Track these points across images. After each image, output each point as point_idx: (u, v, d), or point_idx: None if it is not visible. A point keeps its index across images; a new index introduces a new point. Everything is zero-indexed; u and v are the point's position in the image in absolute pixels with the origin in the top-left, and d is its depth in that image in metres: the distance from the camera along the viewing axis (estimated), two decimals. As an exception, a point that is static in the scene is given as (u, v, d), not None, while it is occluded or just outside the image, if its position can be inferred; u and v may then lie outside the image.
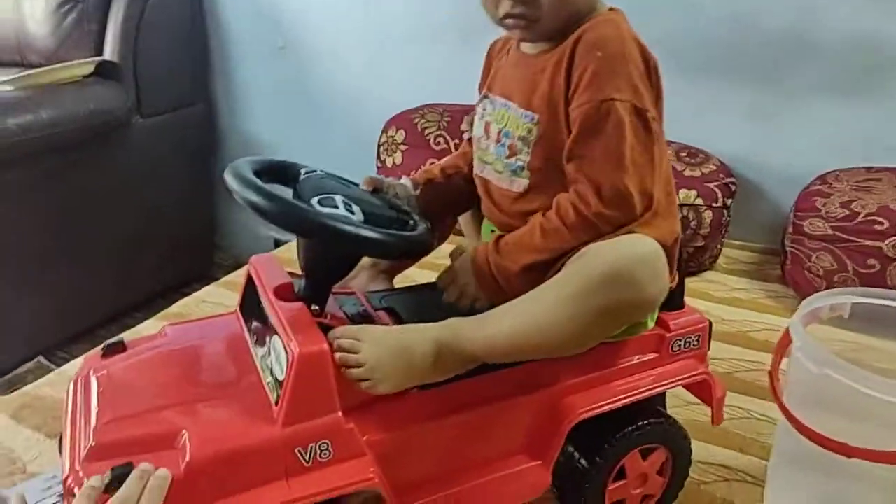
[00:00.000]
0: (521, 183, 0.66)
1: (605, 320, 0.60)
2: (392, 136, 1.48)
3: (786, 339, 0.71)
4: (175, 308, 1.18)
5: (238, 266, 1.48)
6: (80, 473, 0.53)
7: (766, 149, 1.34)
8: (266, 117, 1.94)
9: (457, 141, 1.40)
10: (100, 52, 1.73)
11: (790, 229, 1.17)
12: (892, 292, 0.73)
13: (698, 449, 0.77)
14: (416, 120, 1.47)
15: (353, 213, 0.59)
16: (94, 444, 0.55)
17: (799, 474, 0.73)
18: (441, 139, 1.41)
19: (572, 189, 0.61)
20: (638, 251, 0.59)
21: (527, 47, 0.68)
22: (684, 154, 1.31)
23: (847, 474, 0.67)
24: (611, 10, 0.66)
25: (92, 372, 0.63)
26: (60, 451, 0.60)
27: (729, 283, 1.26)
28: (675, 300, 0.72)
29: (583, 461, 0.68)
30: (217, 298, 1.20)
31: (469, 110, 1.45)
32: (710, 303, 1.20)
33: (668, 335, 0.71)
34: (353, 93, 1.74)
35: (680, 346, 0.72)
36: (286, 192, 0.61)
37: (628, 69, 0.60)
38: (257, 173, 0.60)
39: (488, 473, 0.64)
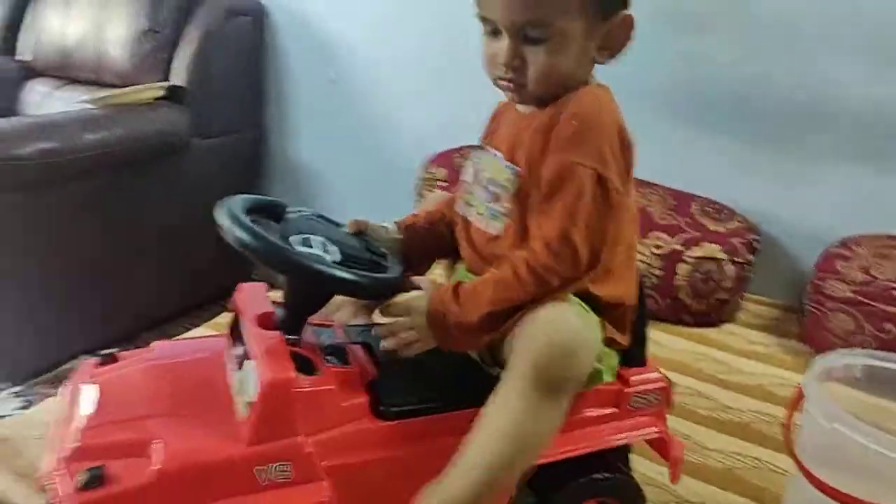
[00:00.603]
0: (497, 227, 0.71)
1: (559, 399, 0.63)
2: (433, 174, 1.57)
3: (799, 394, 0.76)
4: (219, 318, 1.27)
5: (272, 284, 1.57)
6: (61, 472, 0.58)
7: (789, 209, 1.39)
8: (312, 145, 2.05)
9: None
10: (168, 77, 1.86)
11: (810, 289, 1.21)
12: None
13: (713, 494, 0.80)
14: (457, 159, 1.55)
15: (328, 253, 0.64)
16: (76, 445, 0.59)
17: None
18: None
19: (527, 245, 0.65)
20: (563, 328, 0.62)
21: (521, 108, 0.74)
22: (710, 209, 1.37)
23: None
24: (599, 85, 0.72)
25: (84, 379, 0.67)
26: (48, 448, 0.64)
27: (748, 337, 1.30)
28: (636, 357, 0.76)
29: None
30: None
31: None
32: (728, 354, 1.24)
33: (627, 390, 0.74)
34: (398, 127, 1.84)
35: (639, 402, 0.75)
36: (275, 229, 0.66)
37: (599, 140, 0.65)
38: (247, 211, 0.65)
39: None
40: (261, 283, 0.74)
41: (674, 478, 0.78)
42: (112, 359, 0.70)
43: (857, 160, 1.32)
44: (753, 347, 1.26)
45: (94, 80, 1.99)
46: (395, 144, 1.84)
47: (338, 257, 0.65)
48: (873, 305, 1.11)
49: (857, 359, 0.80)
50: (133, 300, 1.83)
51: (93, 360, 0.70)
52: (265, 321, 0.67)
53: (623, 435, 0.75)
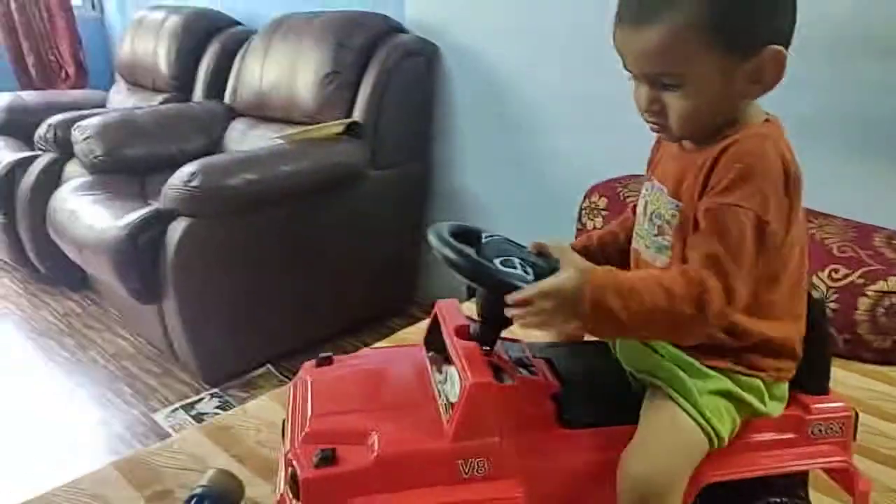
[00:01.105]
0: (664, 260, 0.72)
1: None
2: (594, 202, 1.62)
3: None
4: (383, 342, 1.39)
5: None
6: (298, 452, 0.68)
7: None
8: (476, 176, 2.16)
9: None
10: (350, 113, 2.07)
11: None
12: None
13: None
14: (619, 189, 1.59)
15: (527, 273, 0.70)
16: (308, 431, 0.69)
17: None
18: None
19: (700, 275, 0.64)
20: (647, 474, 0.67)
21: (685, 143, 0.74)
22: (895, 242, 1.29)
23: None
24: (767, 120, 0.71)
25: (308, 377, 0.78)
26: (283, 435, 0.75)
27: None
28: (818, 386, 0.76)
29: None
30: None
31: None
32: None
33: (808, 417, 0.75)
34: (559, 158, 1.91)
35: (820, 430, 0.75)
36: (478, 251, 0.72)
37: (761, 184, 0.64)
38: (453, 235, 0.71)
39: None
40: (453, 300, 0.83)
41: None
42: (328, 361, 0.81)
43: None
44: (947, 390, 1.18)
45: (284, 119, 2.26)
46: (557, 175, 1.91)
47: (532, 277, 0.70)
48: None
49: None
50: (311, 316, 2.03)
51: (312, 362, 0.81)
52: (462, 332, 0.74)
53: (802, 461, 0.75)
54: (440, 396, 0.72)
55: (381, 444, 0.67)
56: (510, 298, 0.66)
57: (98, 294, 2.47)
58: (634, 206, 0.82)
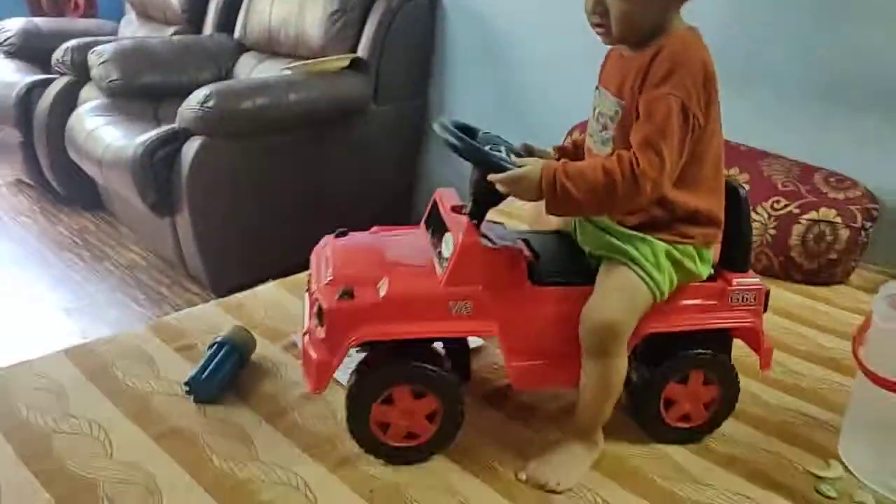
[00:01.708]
0: (607, 151, 0.88)
1: None
2: (575, 140, 1.78)
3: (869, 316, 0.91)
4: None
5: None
6: (323, 291, 0.87)
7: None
8: (469, 113, 2.28)
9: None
10: (355, 50, 2.21)
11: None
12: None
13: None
14: (597, 127, 1.75)
15: (509, 158, 0.88)
16: (331, 277, 0.88)
17: (869, 416, 0.93)
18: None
19: (631, 151, 0.82)
20: (600, 318, 0.86)
21: (624, 52, 0.89)
22: (833, 180, 1.47)
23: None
24: (689, 28, 0.86)
25: (329, 244, 0.97)
26: (308, 289, 0.94)
27: (853, 296, 1.41)
28: (739, 263, 0.94)
29: (646, 372, 0.93)
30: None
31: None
32: (833, 307, 1.37)
33: (729, 289, 0.93)
34: (549, 101, 2.07)
35: (738, 299, 0.93)
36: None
37: (685, 77, 0.81)
38: (456, 127, 0.89)
39: (568, 350, 0.88)
40: (451, 189, 1.01)
41: (765, 366, 0.97)
42: (345, 233, 1.00)
43: None
44: (860, 305, 1.37)
45: (292, 54, 2.39)
46: (544, 114, 2.08)
47: (512, 163, 0.88)
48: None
49: None
50: (315, 236, 2.19)
51: (331, 235, 1.00)
52: (456, 210, 0.93)
53: (723, 321, 0.94)
54: (436, 258, 0.91)
55: (390, 286, 0.86)
56: (492, 177, 0.84)
57: (111, 213, 2.63)
58: None
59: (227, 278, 2.11)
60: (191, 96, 1.93)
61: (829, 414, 1.04)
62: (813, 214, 1.42)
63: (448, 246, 0.88)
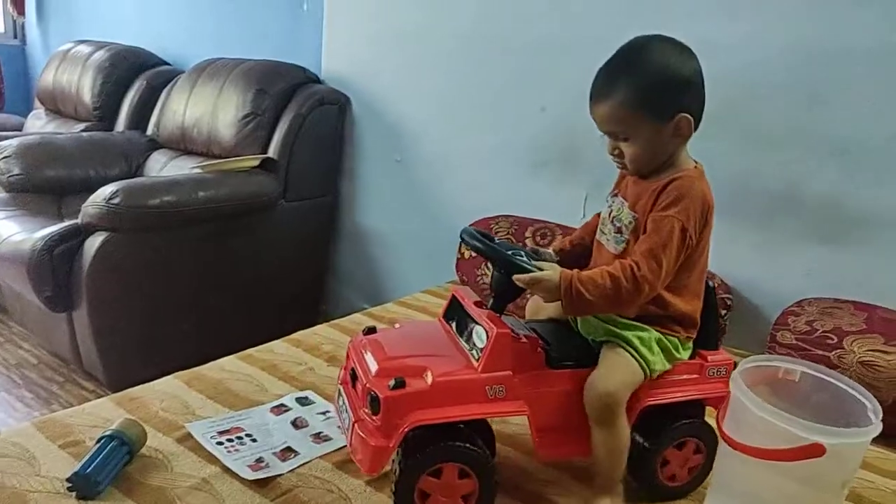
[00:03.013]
0: (620, 249, 1.04)
1: None
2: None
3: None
4: (296, 335, 1.61)
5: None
6: (375, 382, 0.93)
7: (762, 276, 1.66)
8: (377, 212, 2.44)
9: (520, 244, 1.81)
10: (266, 151, 2.31)
11: (768, 339, 1.46)
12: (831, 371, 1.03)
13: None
14: (492, 225, 1.90)
15: (530, 261, 1.01)
16: (379, 368, 0.95)
17: (731, 483, 1.02)
18: (509, 241, 1.83)
19: (633, 258, 0.97)
20: (603, 390, 0.99)
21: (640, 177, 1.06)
22: (696, 273, 1.65)
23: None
24: (696, 167, 1.03)
25: (360, 341, 1.04)
26: (344, 381, 1.03)
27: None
28: (711, 344, 1.11)
29: (645, 442, 1.06)
30: (324, 333, 1.62)
31: (533, 224, 1.87)
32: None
33: (706, 364, 1.08)
34: (448, 199, 2.22)
35: (713, 372, 1.09)
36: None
37: (689, 206, 0.97)
38: (479, 233, 1.03)
39: (581, 424, 1.01)
40: (466, 287, 1.14)
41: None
42: (374, 330, 1.07)
43: (819, 240, 1.59)
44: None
45: (204, 152, 2.47)
46: (444, 213, 2.22)
47: (531, 265, 1.01)
48: (811, 350, 1.35)
49: (771, 360, 1.07)
50: (218, 334, 2.19)
51: (361, 331, 1.07)
52: (479, 305, 1.04)
53: (703, 392, 1.08)
54: (468, 347, 1.01)
55: (435, 376, 0.94)
56: (518, 278, 0.98)
57: (3, 310, 2.52)
58: (597, 216, 1.18)
59: (125, 374, 2.05)
60: (97, 192, 1.94)
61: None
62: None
63: (481, 337, 0.99)
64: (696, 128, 1.01)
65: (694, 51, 1.00)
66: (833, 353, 1.34)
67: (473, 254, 1.89)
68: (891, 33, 1.45)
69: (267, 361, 1.46)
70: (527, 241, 1.82)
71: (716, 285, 1.60)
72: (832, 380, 1.01)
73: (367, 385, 0.95)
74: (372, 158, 2.42)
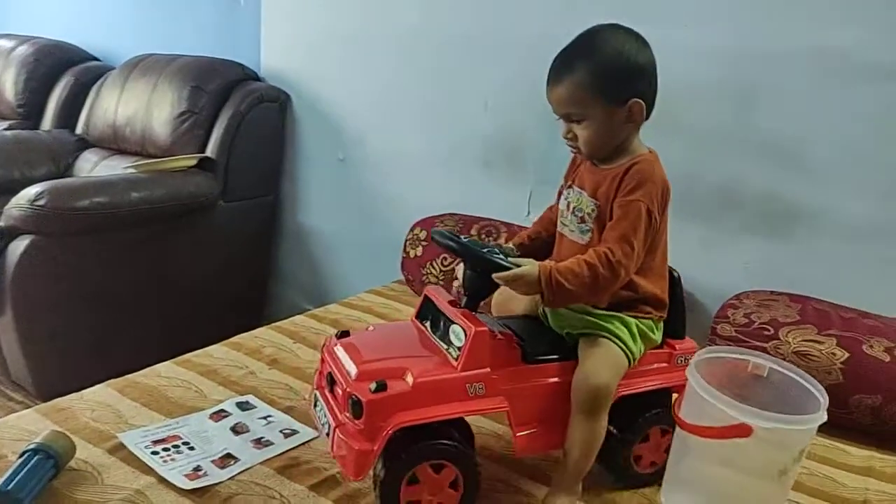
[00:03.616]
0: (587, 238, 1.06)
1: None
2: (417, 234, 1.90)
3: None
4: (236, 338, 1.55)
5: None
6: (355, 386, 0.93)
7: (703, 270, 1.70)
8: (319, 211, 2.40)
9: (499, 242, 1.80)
10: (203, 150, 2.23)
11: (709, 332, 1.50)
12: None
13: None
14: (437, 224, 1.88)
15: (504, 258, 1.01)
16: (359, 371, 0.94)
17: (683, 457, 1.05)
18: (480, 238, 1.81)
19: (606, 245, 1.00)
20: (594, 381, 1.00)
21: (596, 163, 1.07)
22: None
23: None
24: (650, 151, 1.06)
25: (337, 343, 1.03)
26: (320, 386, 1.02)
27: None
28: (679, 333, 1.13)
29: (618, 432, 1.07)
30: (265, 336, 1.58)
31: (478, 222, 1.87)
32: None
33: (675, 353, 1.12)
34: (392, 198, 2.20)
35: (681, 360, 1.12)
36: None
37: (650, 190, 1.00)
38: (449, 233, 1.03)
39: (556, 417, 1.02)
40: (438, 286, 1.13)
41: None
42: (346, 334, 1.06)
43: (758, 235, 1.64)
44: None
45: (138, 152, 2.38)
46: (388, 211, 2.19)
47: (506, 262, 1.00)
48: (749, 341, 1.39)
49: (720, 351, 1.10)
50: (162, 335, 2.11)
51: (333, 336, 1.06)
52: (454, 304, 1.04)
53: (673, 379, 1.11)
54: (445, 346, 1.01)
55: (416, 377, 0.94)
56: (497, 276, 0.99)
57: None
58: (550, 209, 1.21)
59: (56, 384, 1.94)
60: (20, 194, 1.84)
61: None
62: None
63: (459, 335, 0.99)
64: (647, 115, 1.03)
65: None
66: (770, 343, 1.38)
67: (419, 253, 1.87)
68: (817, 35, 1.51)
69: (206, 366, 1.41)
70: (489, 237, 1.82)
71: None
72: (789, 372, 1.05)
73: (348, 389, 0.93)
74: (314, 157, 2.38)
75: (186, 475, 1.03)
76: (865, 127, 1.49)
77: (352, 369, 0.96)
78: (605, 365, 1.01)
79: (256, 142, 2.32)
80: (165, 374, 1.38)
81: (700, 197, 1.70)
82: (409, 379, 0.93)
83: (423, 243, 1.87)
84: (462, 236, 1.06)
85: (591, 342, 1.04)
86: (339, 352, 1.01)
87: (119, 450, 1.09)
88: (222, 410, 1.23)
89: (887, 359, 1.30)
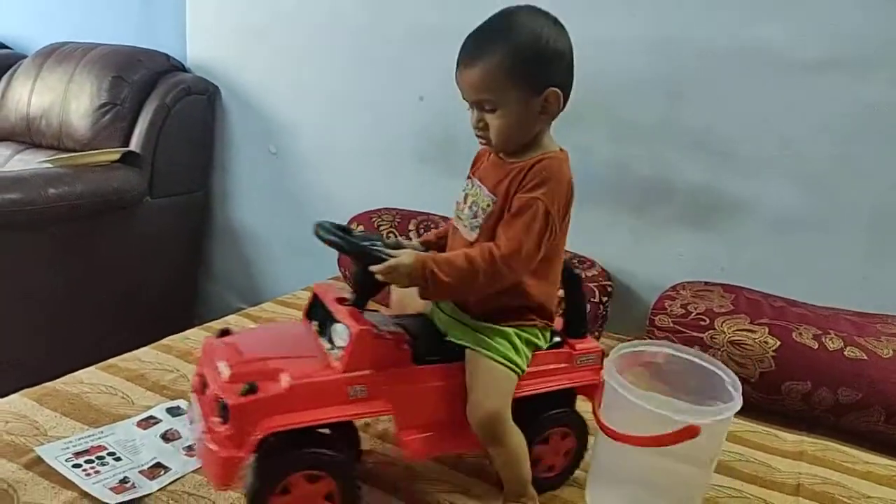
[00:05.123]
0: (473, 235, 0.99)
1: None
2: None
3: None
4: (165, 340, 1.48)
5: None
6: (225, 388, 0.86)
7: (638, 263, 1.73)
8: (251, 208, 2.32)
9: (402, 237, 1.78)
10: (127, 144, 2.12)
11: (647, 323, 1.52)
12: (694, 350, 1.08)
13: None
14: (374, 219, 1.84)
15: (385, 251, 0.95)
16: (232, 373, 0.88)
17: (609, 468, 1.05)
18: (392, 235, 1.79)
19: (494, 241, 0.94)
20: (484, 411, 0.95)
21: (503, 156, 1.01)
22: (575, 261, 1.68)
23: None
24: (561, 150, 1.00)
25: (216, 342, 0.97)
26: (195, 389, 0.93)
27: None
28: (579, 332, 1.10)
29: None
30: (197, 337, 1.50)
31: (416, 216, 1.84)
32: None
33: (574, 353, 1.07)
34: (327, 193, 2.15)
35: (582, 361, 1.08)
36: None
37: (554, 189, 0.94)
38: (335, 227, 0.97)
39: (453, 420, 0.97)
40: (331, 282, 1.05)
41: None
42: (227, 332, 1.00)
43: (689, 226, 1.68)
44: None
45: (55, 146, 2.24)
46: (321, 208, 2.14)
47: (388, 255, 0.94)
48: (686, 332, 1.42)
49: (654, 348, 1.10)
50: (87, 340, 1.99)
51: (214, 334, 1.00)
52: (341, 301, 0.98)
53: (573, 380, 1.08)
54: (328, 346, 0.95)
55: (291, 378, 0.88)
56: (373, 268, 0.92)
57: None
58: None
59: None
60: (-80, 191, 1.71)
61: (582, 473, 1.14)
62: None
63: (342, 335, 0.93)
64: (563, 106, 0.98)
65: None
66: (706, 333, 1.41)
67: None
68: (748, 29, 1.55)
69: (133, 371, 1.33)
70: (410, 233, 1.79)
71: (597, 272, 1.67)
72: (695, 358, 1.06)
73: (216, 392, 0.87)
74: (246, 151, 2.30)
75: (112, 488, 0.97)
76: (793, 120, 1.55)
77: (225, 371, 0.90)
78: (493, 391, 0.96)
79: (184, 136, 2.22)
80: (88, 380, 1.29)
81: (631, 189, 1.73)
82: (285, 381, 0.88)
83: (362, 239, 1.83)
84: (358, 229, 1.01)
85: (474, 363, 0.98)
86: (217, 352, 0.95)
87: (37, 464, 1.01)
88: (151, 417, 1.17)
89: (815, 346, 1.35)
